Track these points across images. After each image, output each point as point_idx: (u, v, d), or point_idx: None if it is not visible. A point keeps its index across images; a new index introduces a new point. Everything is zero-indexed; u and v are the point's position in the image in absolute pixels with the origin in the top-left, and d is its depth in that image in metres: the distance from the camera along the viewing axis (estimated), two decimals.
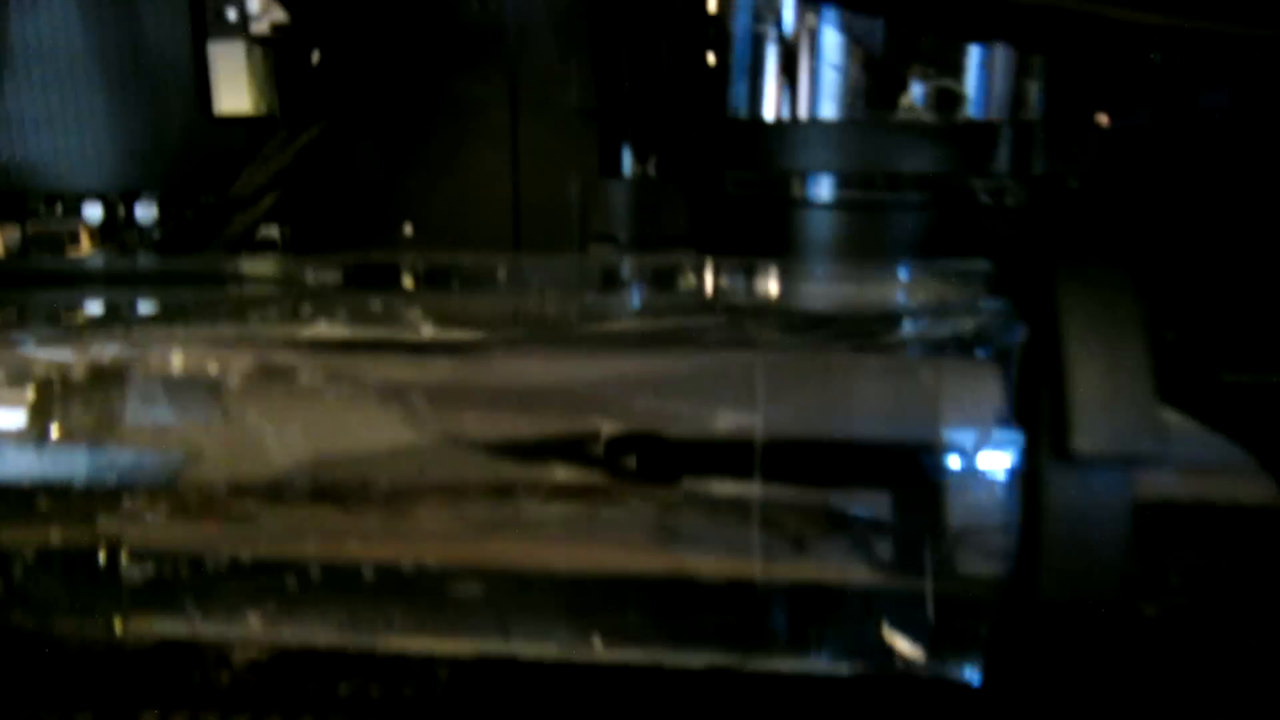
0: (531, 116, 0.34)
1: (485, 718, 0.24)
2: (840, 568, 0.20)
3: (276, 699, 0.24)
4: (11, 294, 0.24)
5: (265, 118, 0.34)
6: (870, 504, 0.20)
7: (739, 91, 0.28)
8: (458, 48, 0.34)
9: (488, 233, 0.35)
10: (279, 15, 0.34)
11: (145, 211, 0.35)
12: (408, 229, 0.35)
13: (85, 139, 0.35)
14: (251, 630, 0.22)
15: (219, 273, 0.26)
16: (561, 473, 0.20)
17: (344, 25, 0.34)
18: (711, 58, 0.29)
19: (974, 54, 0.26)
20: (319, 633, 0.23)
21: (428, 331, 0.22)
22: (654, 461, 0.20)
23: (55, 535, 0.22)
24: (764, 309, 0.23)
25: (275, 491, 0.21)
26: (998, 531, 0.18)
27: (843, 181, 0.27)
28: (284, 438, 0.21)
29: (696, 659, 0.22)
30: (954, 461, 0.19)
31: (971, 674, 0.20)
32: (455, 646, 0.24)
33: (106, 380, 0.22)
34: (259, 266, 0.28)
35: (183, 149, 0.35)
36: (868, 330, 0.21)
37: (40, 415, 0.22)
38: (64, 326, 0.23)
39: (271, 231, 0.35)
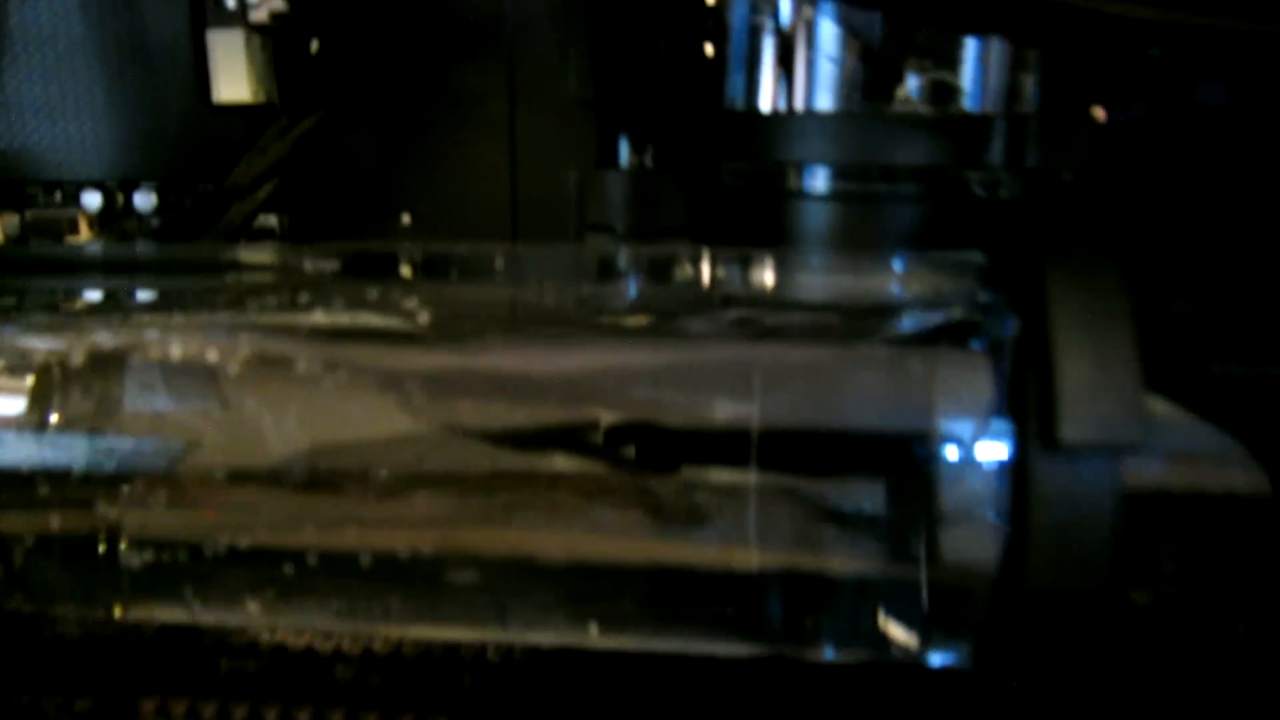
0: (529, 107, 0.34)
1: (482, 703, 0.24)
2: (835, 556, 0.20)
3: (275, 686, 0.25)
4: (10, 281, 0.24)
5: (264, 106, 0.34)
6: (865, 493, 0.20)
7: (735, 83, 0.28)
8: (456, 38, 0.34)
9: (485, 222, 0.35)
10: (278, 4, 0.34)
11: (144, 199, 0.35)
12: (405, 219, 0.35)
13: (84, 127, 0.35)
14: (250, 617, 0.22)
15: (217, 261, 0.26)
16: (560, 462, 0.20)
17: (343, 14, 0.34)
18: (709, 49, 0.29)
19: (970, 47, 0.26)
20: (317, 620, 0.23)
21: (425, 320, 0.22)
22: (652, 451, 0.20)
23: (54, 522, 0.22)
24: (760, 299, 0.23)
25: (273, 479, 0.21)
26: (990, 520, 0.18)
27: (838, 173, 0.27)
28: (282, 426, 0.21)
29: (691, 646, 0.22)
30: (948, 451, 0.19)
31: (964, 661, 0.20)
32: (453, 634, 0.24)
33: (105, 367, 0.22)
34: (257, 255, 0.28)
35: (181, 137, 0.35)
36: (863, 321, 0.22)
37: (39, 402, 0.22)
38: (63, 313, 0.23)
39: (270, 220, 0.35)
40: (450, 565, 0.21)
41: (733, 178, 0.28)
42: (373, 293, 0.23)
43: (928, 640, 0.20)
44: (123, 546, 0.21)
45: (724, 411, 0.20)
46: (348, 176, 0.35)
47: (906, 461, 0.20)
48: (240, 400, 0.22)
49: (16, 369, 0.22)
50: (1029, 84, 0.27)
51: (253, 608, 0.22)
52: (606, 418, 0.20)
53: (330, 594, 0.22)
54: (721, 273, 0.24)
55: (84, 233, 0.35)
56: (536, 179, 0.34)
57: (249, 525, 0.21)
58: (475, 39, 0.34)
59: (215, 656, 0.25)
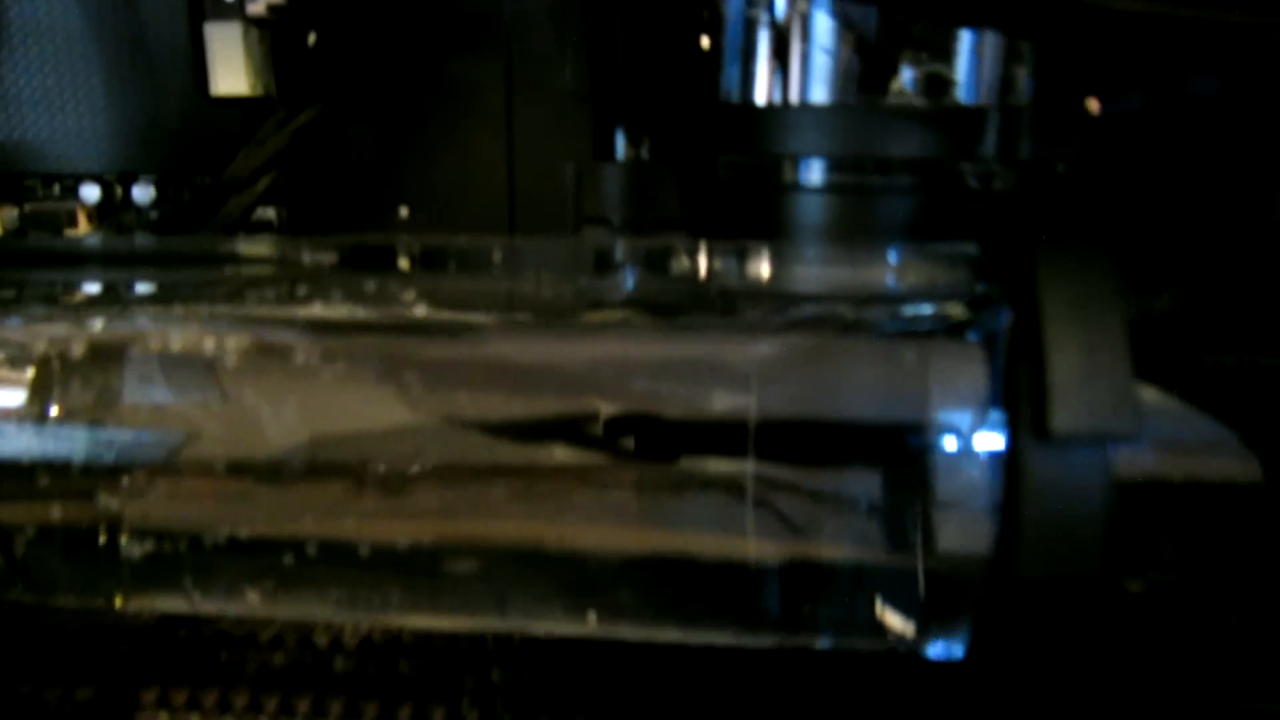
0: (526, 100, 0.34)
1: (481, 692, 0.24)
2: (831, 546, 0.20)
3: (274, 675, 0.25)
4: (9, 273, 0.24)
5: (262, 99, 0.34)
6: (861, 483, 0.20)
7: (731, 76, 0.28)
8: (453, 31, 0.34)
9: (483, 215, 0.35)
10: None
11: (142, 192, 0.35)
12: (403, 211, 0.35)
13: (82, 120, 0.35)
14: (250, 607, 0.23)
15: (216, 253, 0.26)
16: (559, 453, 0.21)
17: (340, 7, 0.34)
18: (704, 42, 0.29)
19: (964, 40, 0.26)
20: (317, 610, 0.23)
21: (423, 312, 0.22)
22: (651, 441, 0.20)
23: (55, 512, 0.22)
24: (756, 291, 0.23)
25: (273, 470, 0.21)
26: (985, 510, 0.19)
27: (834, 165, 0.27)
28: (281, 417, 0.21)
29: (689, 635, 0.22)
30: (943, 442, 0.19)
31: (959, 650, 0.20)
32: (452, 623, 0.24)
33: (105, 359, 0.22)
34: (256, 247, 0.28)
35: (179, 130, 0.35)
36: (858, 312, 0.22)
37: (39, 394, 0.22)
38: (62, 306, 0.24)
39: (268, 213, 0.35)
40: (449, 555, 0.21)
41: (728, 170, 0.28)
42: (371, 285, 0.23)
43: (923, 629, 0.20)
44: (123, 537, 0.22)
45: (721, 403, 0.20)
46: (345, 169, 0.35)
47: (902, 452, 0.20)
48: (239, 392, 0.22)
49: (17, 361, 0.22)
50: (1023, 76, 0.27)
51: (252, 598, 0.22)
52: (605, 409, 0.20)
53: (329, 584, 0.22)
54: (718, 265, 0.24)
55: (82, 225, 0.35)
56: (534, 172, 0.34)
57: (248, 516, 0.22)
58: (472, 32, 0.34)
59: (215, 646, 0.25)
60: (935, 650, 0.21)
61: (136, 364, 0.22)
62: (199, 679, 0.24)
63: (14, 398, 0.22)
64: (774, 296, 0.23)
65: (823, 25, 0.27)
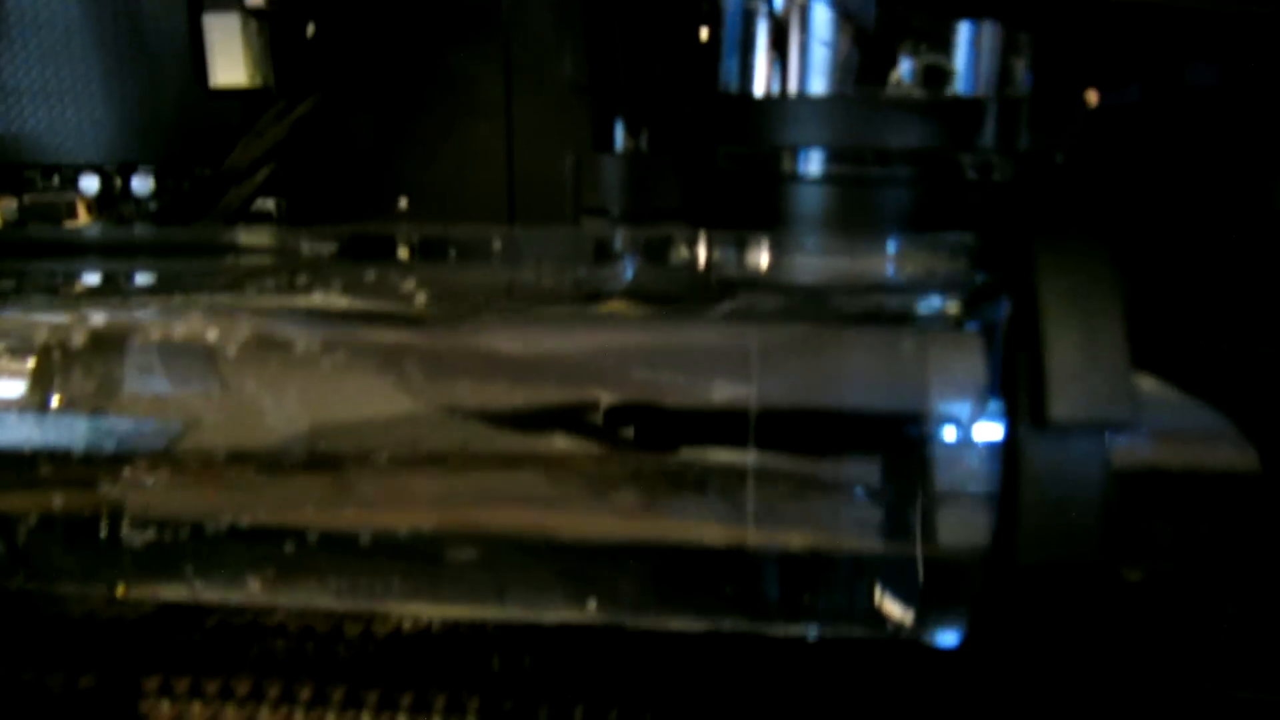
0: (525, 91, 0.34)
1: (481, 680, 0.24)
2: (830, 535, 0.21)
3: (276, 663, 0.25)
4: (9, 264, 0.24)
5: (260, 90, 0.34)
6: (860, 472, 0.20)
7: (730, 67, 0.28)
8: (452, 21, 0.34)
9: (482, 206, 0.35)
10: None
11: (141, 183, 0.35)
12: (403, 202, 0.35)
13: (81, 111, 0.35)
14: (251, 596, 0.23)
15: (215, 244, 0.26)
16: (560, 442, 0.21)
17: None
18: (703, 33, 0.29)
19: (963, 31, 0.26)
20: (318, 598, 0.23)
21: (423, 302, 0.22)
22: (651, 431, 0.20)
23: (57, 501, 0.22)
24: (755, 282, 0.23)
25: (273, 459, 0.21)
26: (983, 499, 0.19)
27: (832, 156, 0.27)
28: (282, 407, 0.21)
29: (689, 623, 0.22)
30: (941, 431, 0.19)
31: (958, 637, 0.20)
32: (452, 611, 0.24)
33: (105, 349, 0.22)
34: (255, 237, 0.28)
35: (178, 121, 0.35)
36: (857, 303, 0.22)
37: (41, 383, 0.22)
38: (63, 296, 0.24)
39: (267, 204, 0.35)
40: (449, 544, 0.21)
41: (727, 161, 0.28)
42: (371, 275, 0.23)
43: (922, 617, 0.20)
44: (125, 526, 0.22)
45: (721, 392, 0.20)
46: (345, 160, 0.35)
47: (901, 441, 0.20)
48: (240, 381, 0.22)
49: (18, 351, 0.22)
50: (1021, 67, 0.27)
51: (254, 586, 0.22)
52: (605, 398, 0.20)
53: (330, 573, 0.22)
54: (717, 255, 0.24)
55: (82, 216, 0.35)
56: (533, 163, 0.35)
57: (249, 505, 0.22)
58: (471, 23, 0.34)
59: (217, 634, 0.26)
60: (934, 638, 0.21)
61: (137, 354, 0.22)
62: (201, 667, 0.25)
63: (15, 387, 0.22)
64: (773, 287, 0.23)
65: (821, 16, 0.27)
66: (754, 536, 0.20)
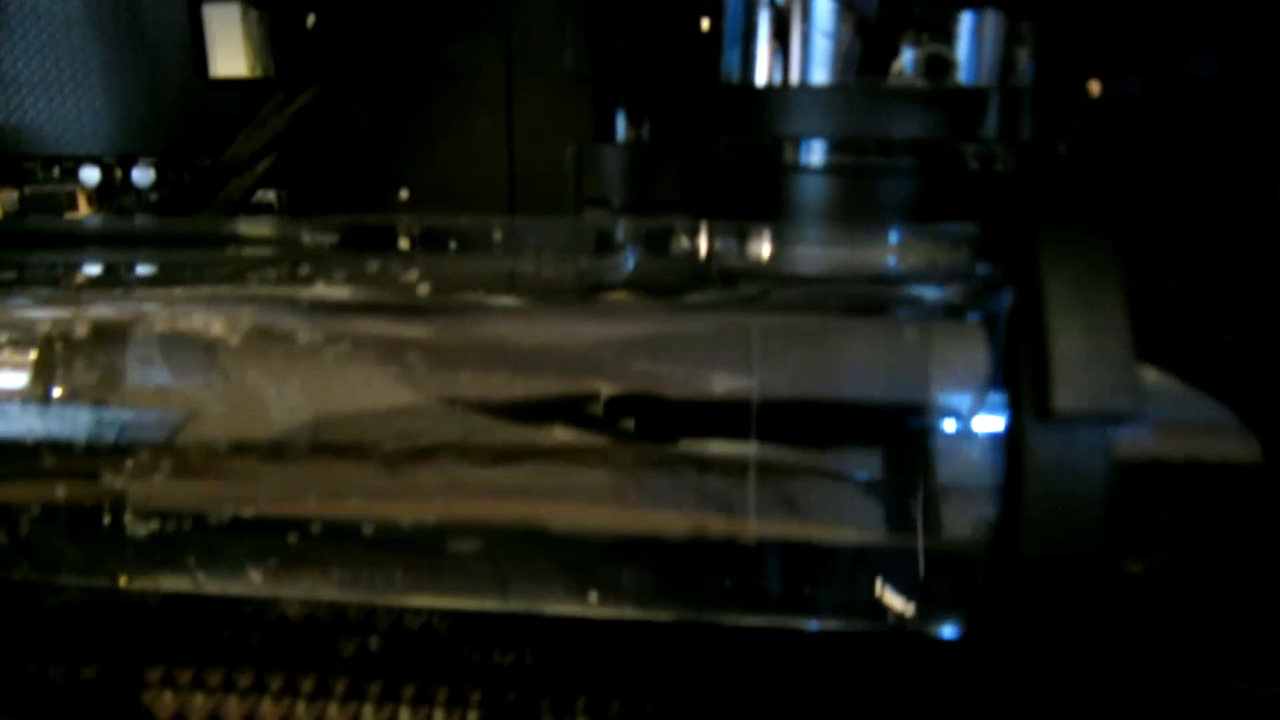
0: (526, 81, 0.34)
1: (483, 672, 0.24)
2: (832, 526, 0.21)
3: (279, 655, 0.25)
4: (10, 255, 0.24)
5: (261, 81, 0.34)
6: (862, 464, 0.20)
7: (732, 57, 0.28)
8: (452, 12, 0.34)
9: (483, 197, 0.35)
10: None
11: (142, 175, 0.35)
12: (403, 193, 0.35)
13: (82, 102, 0.35)
14: (254, 587, 0.23)
15: (216, 235, 0.26)
16: (560, 433, 0.21)
17: None
18: (705, 23, 0.29)
19: (965, 20, 0.26)
20: (320, 590, 0.23)
21: (425, 293, 0.22)
22: (652, 422, 0.20)
23: (59, 492, 0.22)
24: (757, 272, 0.23)
25: (276, 450, 0.21)
26: (985, 490, 0.19)
27: (834, 147, 0.27)
28: (284, 398, 0.21)
29: (690, 615, 0.22)
30: (944, 423, 0.19)
31: (960, 629, 0.20)
32: (455, 603, 0.24)
33: (108, 340, 0.22)
34: (256, 228, 0.28)
35: (179, 112, 0.35)
36: (859, 293, 0.22)
37: (43, 375, 0.22)
38: (64, 287, 0.24)
39: (268, 195, 0.35)
40: (452, 535, 0.21)
41: (729, 152, 0.28)
42: (372, 266, 0.23)
43: (924, 609, 0.20)
44: (127, 517, 0.22)
45: (722, 383, 0.20)
46: (345, 151, 0.35)
47: (903, 432, 0.20)
48: (242, 372, 0.22)
49: (20, 342, 0.22)
50: (1024, 57, 0.27)
51: (256, 577, 0.22)
52: (606, 389, 0.20)
53: (333, 564, 0.22)
54: (718, 246, 0.24)
55: (83, 208, 0.35)
56: (534, 153, 0.35)
57: (252, 496, 0.22)
58: (472, 13, 0.34)
59: (220, 626, 0.26)
60: (936, 630, 0.21)
61: (138, 345, 0.22)
62: (203, 658, 0.25)
63: (18, 378, 0.22)
64: (774, 277, 0.23)
65: (823, 6, 0.26)
66: (755, 528, 0.20)
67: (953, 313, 0.20)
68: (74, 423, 0.22)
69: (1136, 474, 0.19)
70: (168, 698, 0.24)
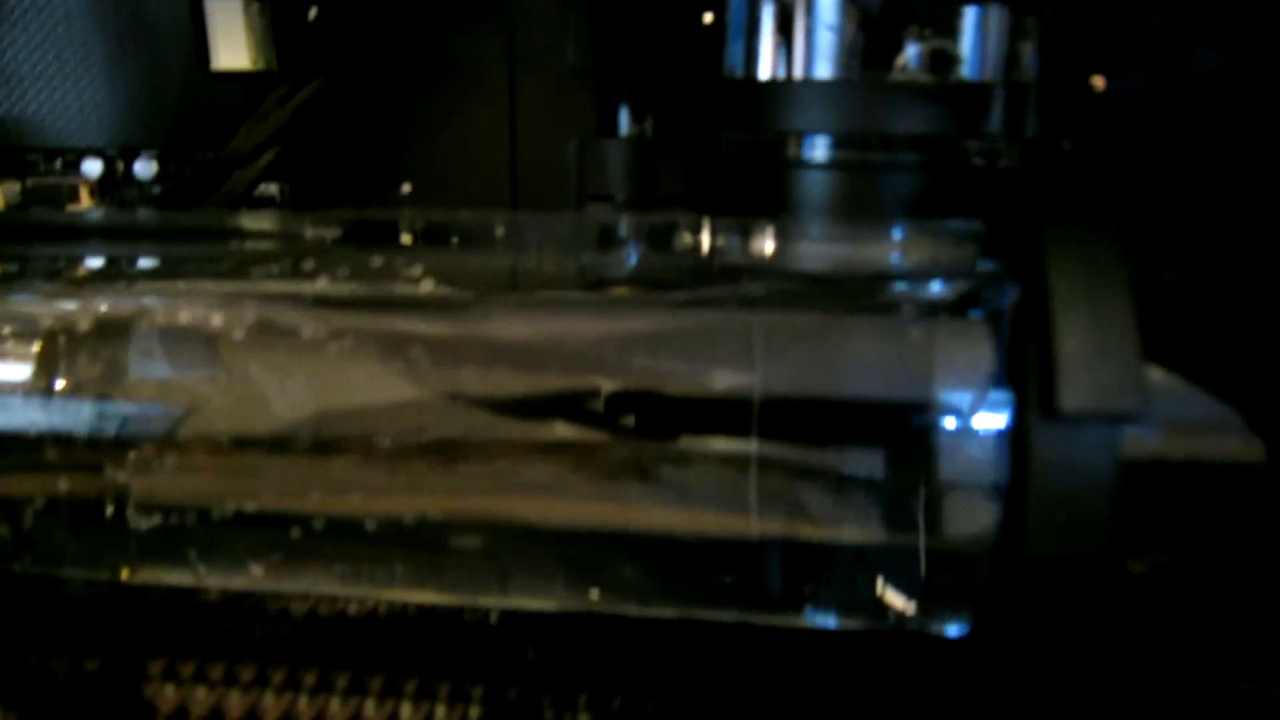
0: (529, 75, 0.34)
1: (485, 667, 0.24)
2: (834, 525, 0.21)
3: (281, 649, 0.25)
4: (12, 247, 0.24)
5: (263, 74, 0.34)
6: (864, 462, 0.20)
7: (735, 51, 0.28)
8: (455, 5, 0.34)
9: (485, 191, 0.35)
10: None
11: (144, 167, 0.35)
12: (406, 187, 0.35)
13: (83, 94, 0.34)
14: (256, 581, 0.23)
15: (219, 228, 0.26)
16: (561, 429, 0.21)
17: None
18: (708, 17, 0.29)
19: (969, 15, 0.26)
20: (322, 584, 0.23)
21: (427, 288, 0.22)
22: (652, 419, 0.20)
23: (62, 485, 0.22)
24: (759, 269, 0.23)
25: (278, 445, 0.21)
26: (989, 489, 0.19)
27: (838, 142, 0.27)
28: (286, 392, 0.21)
29: (690, 612, 0.22)
30: (947, 420, 0.19)
31: (963, 628, 0.20)
32: (457, 599, 0.24)
33: (111, 334, 0.22)
34: (258, 222, 0.28)
35: (181, 105, 0.35)
36: (862, 290, 0.22)
37: (46, 368, 0.22)
38: (67, 280, 0.24)
39: (270, 189, 0.35)
40: (453, 531, 0.21)
41: (732, 147, 0.28)
42: (374, 260, 0.23)
43: (927, 608, 0.20)
44: (130, 510, 0.22)
45: (723, 380, 0.20)
46: (348, 145, 0.35)
47: (906, 430, 0.20)
48: (245, 366, 0.22)
49: (23, 335, 0.22)
50: (1028, 53, 0.27)
51: (258, 571, 0.22)
52: (607, 385, 0.20)
53: (335, 558, 0.22)
54: (721, 241, 0.24)
55: (84, 200, 0.35)
56: (537, 148, 0.34)
57: (254, 490, 0.22)
58: (475, 7, 0.34)
59: (222, 620, 0.26)
60: (938, 629, 0.21)
61: (140, 339, 0.22)
62: (205, 652, 0.25)
63: (20, 371, 0.22)
64: (777, 273, 0.23)
65: (826, 1, 0.26)
66: (757, 525, 0.20)
67: (956, 310, 0.20)
68: (77, 416, 0.22)
69: (1140, 473, 0.19)
70: (170, 691, 0.24)
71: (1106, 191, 0.27)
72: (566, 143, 0.32)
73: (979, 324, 0.20)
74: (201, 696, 0.24)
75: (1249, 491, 0.20)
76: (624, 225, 0.26)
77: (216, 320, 0.22)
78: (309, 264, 0.23)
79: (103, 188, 0.35)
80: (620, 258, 0.24)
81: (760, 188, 0.28)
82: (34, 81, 0.34)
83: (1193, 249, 0.27)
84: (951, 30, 0.26)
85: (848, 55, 0.27)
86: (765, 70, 0.27)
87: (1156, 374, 0.19)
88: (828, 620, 0.21)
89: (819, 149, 0.27)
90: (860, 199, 0.27)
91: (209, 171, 0.34)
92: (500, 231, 0.24)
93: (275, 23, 0.34)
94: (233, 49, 0.34)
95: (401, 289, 0.22)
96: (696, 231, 0.24)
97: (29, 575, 0.23)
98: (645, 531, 0.21)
